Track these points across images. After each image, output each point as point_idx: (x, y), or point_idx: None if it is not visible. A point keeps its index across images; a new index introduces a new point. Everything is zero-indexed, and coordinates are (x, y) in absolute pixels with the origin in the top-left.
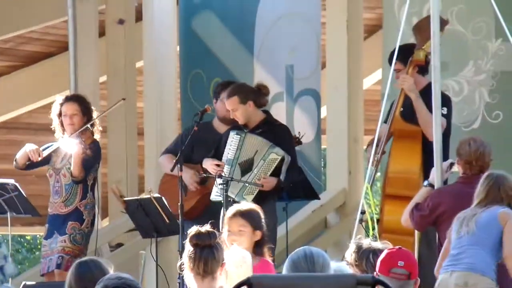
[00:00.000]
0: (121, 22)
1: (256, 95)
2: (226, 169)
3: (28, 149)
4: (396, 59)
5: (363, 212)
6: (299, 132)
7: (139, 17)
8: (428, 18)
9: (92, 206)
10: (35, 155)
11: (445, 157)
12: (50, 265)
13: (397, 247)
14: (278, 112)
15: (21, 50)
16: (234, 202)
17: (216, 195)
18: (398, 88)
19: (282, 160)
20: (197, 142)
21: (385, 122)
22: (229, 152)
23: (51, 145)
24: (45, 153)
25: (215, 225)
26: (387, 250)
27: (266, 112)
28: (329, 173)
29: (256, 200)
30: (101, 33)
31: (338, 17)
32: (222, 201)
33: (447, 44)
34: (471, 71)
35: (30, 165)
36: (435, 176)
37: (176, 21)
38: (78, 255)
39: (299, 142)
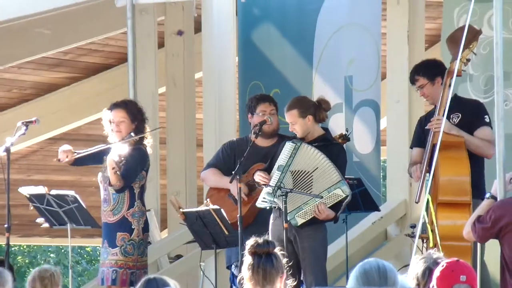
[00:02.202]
0: (180, 33)
1: (316, 109)
2: (275, 175)
3: (60, 149)
4: (420, 74)
5: (413, 226)
6: (346, 129)
7: (198, 28)
8: (461, 29)
9: (141, 214)
10: (63, 156)
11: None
12: (103, 278)
13: (455, 259)
14: (337, 123)
15: (81, 61)
16: (281, 209)
17: (262, 201)
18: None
19: (345, 198)
20: (239, 156)
21: (413, 146)
22: (281, 158)
23: (103, 146)
24: (80, 154)
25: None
26: (445, 263)
27: (326, 130)
28: (390, 184)
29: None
30: (160, 45)
31: (399, 28)
32: (267, 208)
33: (508, 53)
34: None
35: (77, 162)
36: (497, 187)
37: (235, 32)
38: (133, 266)
39: (347, 139)
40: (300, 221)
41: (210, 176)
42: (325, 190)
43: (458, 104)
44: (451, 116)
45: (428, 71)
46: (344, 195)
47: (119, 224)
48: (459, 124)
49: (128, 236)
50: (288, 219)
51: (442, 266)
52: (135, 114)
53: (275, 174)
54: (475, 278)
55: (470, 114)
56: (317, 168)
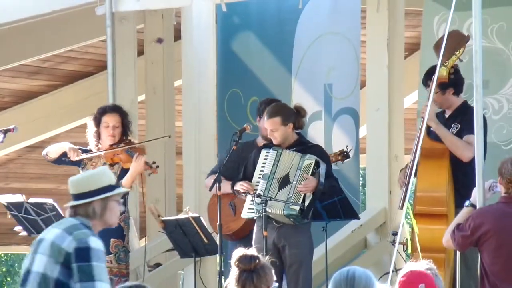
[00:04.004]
0: (159, 41)
1: (296, 117)
2: (262, 184)
3: (68, 147)
4: (430, 80)
5: (395, 234)
6: (346, 146)
7: (177, 36)
8: (449, 35)
9: (128, 220)
10: (74, 154)
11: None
12: None
13: (412, 269)
14: (317, 131)
15: (60, 69)
16: (269, 218)
17: (248, 212)
18: (421, 116)
19: (317, 164)
20: (242, 162)
21: None
22: (264, 167)
23: (90, 151)
24: (82, 156)
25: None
26: (404, 274)
27: (299, 134)
28: (369, 192)
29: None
30: (140, 52)
31: (378, 36)
32: (255, 218)
33: (487, 62)
34: (511, 88)
35: (60, 161)
36: (476, 196)
37: (215, 40)
38: (126, 273)
39: (347, 156)
40: (297, 207)
41: (210, 184)
42: (296, 170)
43: (462, 113)
44: (452, 125)
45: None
46: (313, 161)
47: (113, 230)
48: (456, 134)
49: (121, 243)
50: (285, 214)
51: (402, 277)
52: (126, 120)
53: (261, 183)
54: (433, 284)
55: (466, 123)
56: (292, 165)
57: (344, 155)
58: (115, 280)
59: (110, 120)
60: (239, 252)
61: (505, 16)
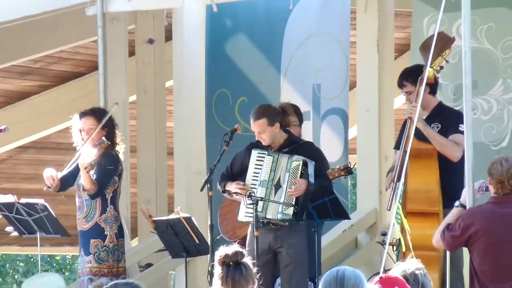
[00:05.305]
0: (151, 41)
1: (282, 116)
2: (260, 191)
3: (44, 175)
4: (408, 81)
5: (384, 234)
6: (349, 162)
7: (168, 37)
8: (433, 36)
9: (114, 219)
10: (49, 181)
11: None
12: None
13: (386, 275)
14: (305, 131)
15: (51, 70)
16: (268, 222)
17: (245, 215)
18: (409, 117)
19: (305, 164)
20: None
21: (397, 148)
22: (261, 171)
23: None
24: (63, 172)
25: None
26: (377, 281)
27: (288, 132)
28: (360, 193)
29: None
30: (131, 53)
31: (368, 37)
32: (252, 222)
33: (476, 63)
34: (500, 89)
35: (61, 187)
36: (466, 196)
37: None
38: (108, 272)
39: (350, 172)
40: (290, 210)
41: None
42: (286, 173)
43: (440, 113)
44: (432, 125)
45: (417, 79)
46: (300, 162)
47: (92, 231)
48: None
49: (101, 243)
50: (280, 218)
51: (376, 283)
52: (105, 120)
53: (260, 190)
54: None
55: (448, 123)
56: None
57: (347, 170)
58: (95, 279)
59: (84, 124)
60: (222, 250)
61: (494, 17)
